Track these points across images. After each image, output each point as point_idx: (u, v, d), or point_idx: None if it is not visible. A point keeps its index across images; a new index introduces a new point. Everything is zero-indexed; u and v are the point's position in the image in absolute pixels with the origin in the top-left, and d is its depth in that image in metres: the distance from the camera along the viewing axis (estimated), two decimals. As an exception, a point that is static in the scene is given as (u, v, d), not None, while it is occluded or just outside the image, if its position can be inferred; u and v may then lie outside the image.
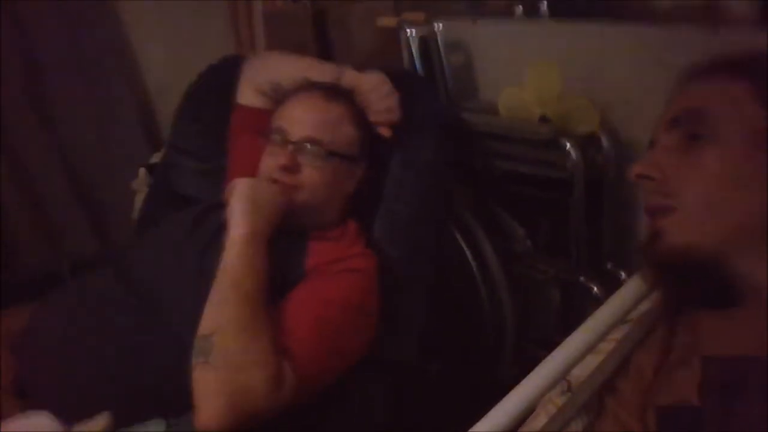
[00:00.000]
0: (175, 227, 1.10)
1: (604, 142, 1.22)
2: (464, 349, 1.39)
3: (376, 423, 1.04)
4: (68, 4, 1.54)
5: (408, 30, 1.42)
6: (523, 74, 1.28)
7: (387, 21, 1.46)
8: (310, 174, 1.02)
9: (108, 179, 1.67)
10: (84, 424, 0.73)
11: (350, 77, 1.13)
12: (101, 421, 0.73)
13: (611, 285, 1.17)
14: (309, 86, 1.10)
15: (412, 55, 1.43)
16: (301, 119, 1.05)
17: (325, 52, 1.73)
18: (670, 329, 0.69)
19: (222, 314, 0.85)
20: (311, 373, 0.86)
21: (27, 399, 0.91)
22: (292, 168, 1.01)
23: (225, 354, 0.81)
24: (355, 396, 1.00)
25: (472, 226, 1.35)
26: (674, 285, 0.69)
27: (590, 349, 0.75)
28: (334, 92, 1.09)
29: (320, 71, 1.16)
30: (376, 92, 1.12)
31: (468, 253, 1.34)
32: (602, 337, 0.77)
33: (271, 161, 1.03)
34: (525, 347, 1.38)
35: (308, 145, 1.02)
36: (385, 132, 1.14)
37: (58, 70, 1.56)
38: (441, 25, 1.42)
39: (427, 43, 1.43)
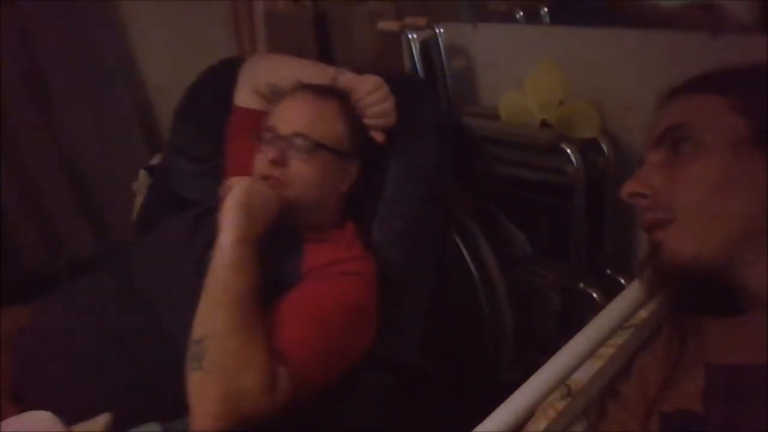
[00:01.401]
0: (174, 230, 1.09)
1: (605, 147, 1.22)
2: (464, 352, 1.39)
3: (375, 424, 1.03)
4: (69, 5, 1.54)
5: (409, 34, 1.42)
6: (525, 78, 1.28)
7: (388, 25, 1.46)
8: (299, 168, 1.02)
9: (108, 180, 1.67)
10: (83, 424, 0.73)
11: (347, 79, 1.13)
12: (100, 421, 0.73)
13: (611, 291, 1.17)
14: (303, 87, 1.10)
15: (414, 58, 1.43)
16: (290, 116, 1.05)
17: (325, 55, 1.73)
18: (675, 336, 0.69)
19: (213, 318, 0.84)
20: (306, 376, 0.86)
21: (22, 400, 0.91)
22: (280, 162, 1.00)
23: (217, 358, 0.80)
24: (354, 397, 0.99)
25: (473, 230, 1.35)
26: (678, 294, 0.70)
27: (590, 354, 0.75)
28: (327, 91, 1.09)
29: (317, 73, 1.15)
30: (373, 96, 1.11)
31: (468, 257, 1.34)
32: (602, 342, 0.77)
33: (261, 158, 1.03)
34: (524, 351, 1.38)
35: (296, 139, 1.02)
36: (378, 137, 1.13)
37: (58, 70, 1.56)
38: (442, 29, 1.42)
39: (428, 47, 1.44)
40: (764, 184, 0.62)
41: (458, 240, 1.33)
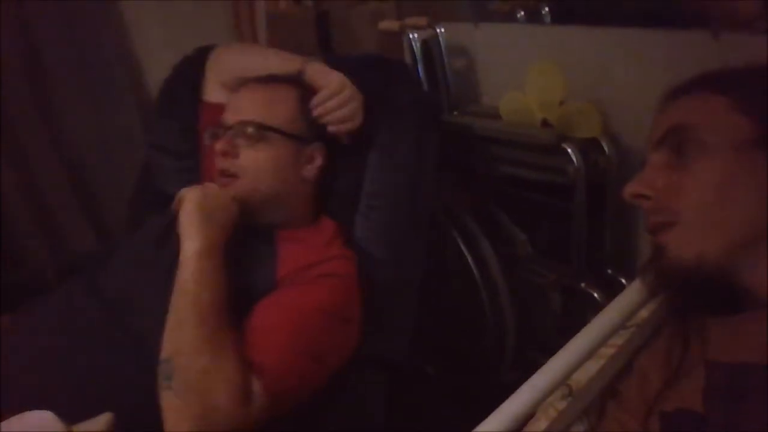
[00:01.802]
0: (148, 235, 1.05)
1: (606, 147, 1.22)
2: (465, 352, 1.39)
3: (371, 424, 1.02)
4: (70, 4, 1.54)
5: (410, 33, 1.42)
6: (526, 78, 1.28)
7: (389, 24, 1.46)
8: (249, 155, 0.98)
9: (109, 180, 1.67)
10: (85, 423, 0.72)
11: (314, 73, 1.07)
12: (102, 420, 0.72)
13: (612, 290, 1.17)
14: (259, 78, 1.06)
15: (415, 58, 1.43)
16: (238, 105, 1.02)
17: (327, 55, 1.73)
18: (677, 336, 0.69)
19: (180, 336, 0.81)
20: (283, 387, 0.83)
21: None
22: (230, 153, 0.98)
23: (187, 377, 0.78)
24: (346, 397, 0.98)
25: (474, 230, 1.35)
26: (680, 295, 0.70)
27: (591, 354, 0.75)
28: (283, 79, 1.05)
29: (284, 62, 1.10)
30: (336, 99, 1.05)
31: (469, 257, 1.34)
32: (603, 342, 0.77)
33: (215, 154, 1.00)
34: (525, 352, 1.38)
35: (243, 127, 0.99)
36: (342, 140, 1.09)
37: (60, 70, 1.55)
38: (443, 28, 1.42)
39: (429, 47, 1.44)
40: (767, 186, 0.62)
41: (459, 240, 1.33)
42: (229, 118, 1.01)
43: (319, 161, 1.06)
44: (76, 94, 1.58)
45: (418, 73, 1.43)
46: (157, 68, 1.73)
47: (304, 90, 1.06)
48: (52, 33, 1.52)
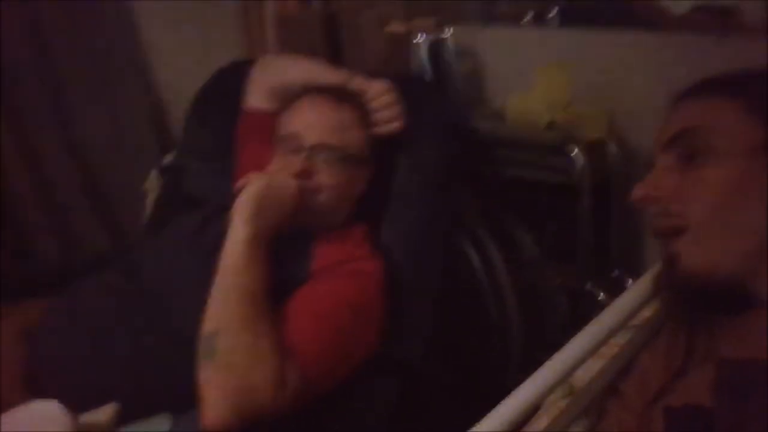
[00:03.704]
0: (184, 228, 1.11)
1: (612, 148, 1.22)
2: (471, 354, 1.39)
3: (380, 424, 1.04)
4: (82, 6, 1.56)
5: (418, 35, 1.43)
6: (532, 80, 1.29)
7: (396, 27, 1.47)
8: (325, 178, 1.03)
9: (121, 180, 1.69)
10: (90, 413, 0.74)
11: (358, 83, 1.13)
12: (107, 410, 0.74)
13: (618, 292, 1.17)
14: (317, 90, 1.11)
15: (422, 60, 1.44)
16: (312, 124, 1.05)
17: (335, 57, 1.74)
18: (680, 333, 0.69)
19: (224, 313, 0.85)
20: (316, 374, 0.87)
21: (36, 392, 0.92)
22: (307, 174, 1.01)
23: (229, 353, 0.81)
24: (359, 396, 1.00)
25: (480, 232, 1.35)
26: (691, 300, 0.69)
27: (592, 352, 0.75)
28: (342, 95, 1.10)
29: (329, 74, 1.16)
30: (380, 101, 1.11)
31: (475, 259, 1.34)
32: (604, 340, 0.76)
33: (284, 168, 1.03)
34: (533, 354, 1.37)
35: (322, 150, 1.03)
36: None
37: (72, 71, 1.58)
38: (450, 30, 1.43)
39: (437, 49, 1.44)
40: None
41: (465, 241, 1.33)
42: (305, 136, 1.04)
43: (367, 178, 1.12)
44: (89, 96, 1.60)
45: (425, 74, 1.45)
46: (168, 69, 1.76)
47: (364, 112, 1.11)
48: (64, 34, 1.55)
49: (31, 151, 1.52)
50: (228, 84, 1.31)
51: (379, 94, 1.11)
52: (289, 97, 1.13)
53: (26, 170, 1.52)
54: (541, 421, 0.70)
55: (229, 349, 0.82)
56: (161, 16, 1.71)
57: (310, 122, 1.05)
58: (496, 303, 1.34)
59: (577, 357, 0.74)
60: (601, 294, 1.24)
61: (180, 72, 1.74)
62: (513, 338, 1.35)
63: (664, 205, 0.67)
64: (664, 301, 0.75)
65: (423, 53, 1.44)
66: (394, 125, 1.12)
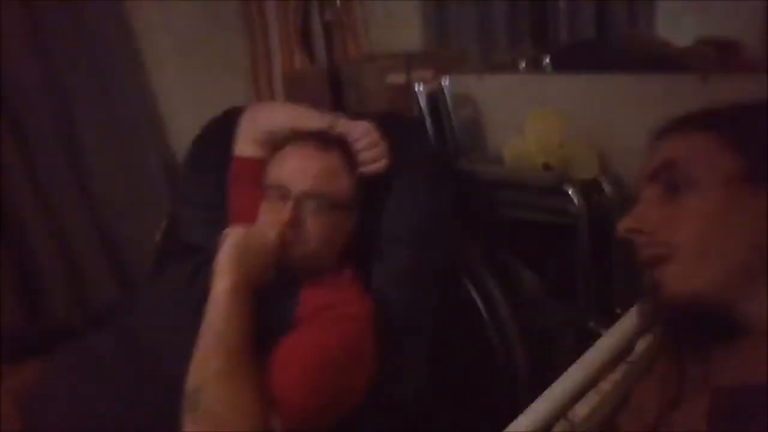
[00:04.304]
0: (176, 278, 1.10)
1: (607, 187, 1.24)
2: (477, 394, 1.38)
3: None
4: (98, 58, 1.60)
5: (416, 85, 1.48)
6: (525, 125, 1.32)
7: (396, 78, 1.52)
8: (313, 227, 1.03)
9: (134, 231, 1.72)
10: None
11: (342, 125, 1.14)
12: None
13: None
14: (302, 136, 1.11)
15: (422, 108, 1.49)
16: (299, 173, 1.05)
17: (339, 110, 1.80)
18: (674, 364, 0.70)
19: (207, 368, 0.84)
20: (301, 423, 0.86)
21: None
22: (295, 222, 1.01)
23: (211, 408, 0.81)
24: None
25: (482, 273, 1.36)
26: (679, 329, 0.70)
27: (586, 386, 0.76)
28: (328, 141, 1.10)
29: (314, 119, 1.16)
30: (362, 141, 1.12)
31: (478, 300, 1.35)
32: (600, 372, 0.77)
33: (271, 217, 1.03)
34: (538, 393, 1.36)
35: (309, 199, 1.03)
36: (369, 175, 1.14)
37: (88, 121, 1.61)
38: (448, 79, 1.48)
39: (435, 98, 1.49)
40: (760, 221, 0.62)
41: (467, 283, 1.34)
42: (292, 184, 1.04)
43: (353, 223, 1.12)
44: (103, 147, 1.64)
45: (426, 124, 1.49)
46: (180, 121, 1.82)
47: (351, 157, 1.12)
48: (81, 85, 1.59)
49: (47, 203, 1.55)
50: (220, 132, 1.32)
51: (362, 134, 1.12)
52: (276, 144, 1.13)
53: (42, 221, 1.54)
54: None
55: (212, 403, 0.81)
56: (173, 67, 1.77)
57: (296, 171, 1.05)
58: (501, 342, 1.33)
59: (575, 390, 0.75)
60: (603, 332, 1.24)
61: (192, 123, 1.80)
62: (518, 377, 1.35)
63: (650, 236, 0.68)
64: (656, 332, 0.75)
65: (422, 102, 1.48)
66: (380, 164, 1.13)
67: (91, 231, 1.63)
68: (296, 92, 1.93)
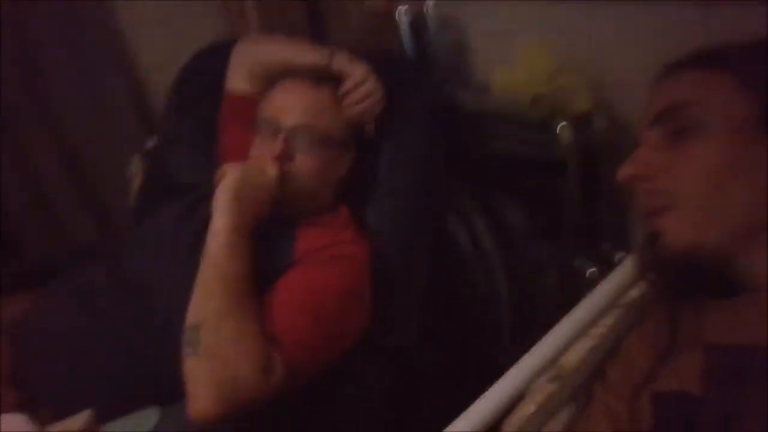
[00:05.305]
0: (169, 216, 1.10)
1: (600, 121, 1.21)
2: (462, 332, 1.39)
3: (375, 411, 1.05)
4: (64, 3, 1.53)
5: (398, 9, 1.40)
6: (516, 53, 1.26)
7: (377, 3, 1.44)
8: (304, 161, 1.02)
9: (106, 165, 1.67)
10: (62, 422, 0.74)
11: (341, 62, 1.11)
12: (81, 418, 0.74)
13: (608, 265, 1.16)
14: (296, 72, 1.09)
15: (404, 34, 1.41)
16: (291, 106, 1.04)
17: (318, 33, 1.71)
18: (666, 317, 0.69)
19: (207, 305, 0.85)
20: (301, 361, 0.87)
21: (22, 388, 0.93)
22: (285, 157, 1.01)
23: (212, 344, 0.82)
24: (352, 384, 1.01)
25: (467, 209, 1.34)
26: (676, 280, 0.68)
27: (579, 336, 0.75)
28: (322, 77, 1.08)
29: (311, 55, 1.14)
30: (362, 90, 1.10)
31: (463, 235, 1.34)
32: (591, 324, 0.76)
33: (263, 151, 1.02)
34: (524, 332, 1.38)
35: (300, 133, 1.02)
36: (368, 129, 1.14)
37: (53, 57, 1.56)
38: (431, 4, 1.40)
39: (418, 22, 1.41)
40: None
41: (453, 219, 1.32)
42: (283, 118, 1.03)
43: (350, 162, 1.11)
44: (70, 82, 1.59)
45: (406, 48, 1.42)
46: (146, 49, 1.72)
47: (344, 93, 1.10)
48: (44, 23, 1.52)
49: (18, 143, 1.52)
50: (208, 67, 1.28)
51: (360, 80, 1.09)
52: (270, 79, 1.12)
53: (13, 163, 1.51)
54: (529, 406, 0.70)
55: (213, 340, 0.82)
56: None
57: (287, 105, 1.04)
58: (486, 279, 1.34)
59: (564, 341, 0.75)
60: (590, 270, 1.24)
61: (158, 51, 1.70)
62: (502, 314, 1.36)
63: (652, 183, 0.66)
64: (650, 282, 0.74)
65: (404, 27, 1.41)
66: (373, 113, 1.11)
67: (62, 169, 1.58)
68: (270, 11, 1.81)
